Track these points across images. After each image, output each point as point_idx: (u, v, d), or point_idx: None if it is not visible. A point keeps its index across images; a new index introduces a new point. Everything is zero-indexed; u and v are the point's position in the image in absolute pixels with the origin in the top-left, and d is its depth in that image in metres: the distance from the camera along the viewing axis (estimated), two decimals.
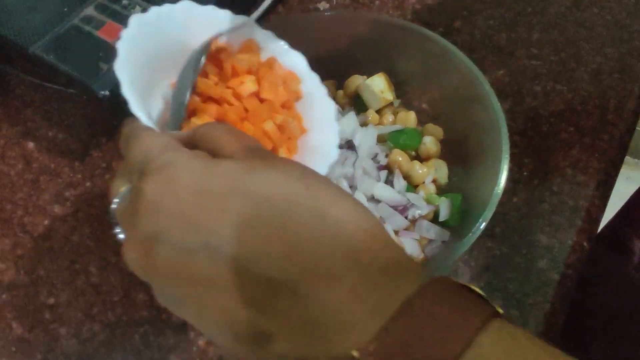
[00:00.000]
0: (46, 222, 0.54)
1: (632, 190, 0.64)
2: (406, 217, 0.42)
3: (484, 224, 0.37)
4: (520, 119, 0.55)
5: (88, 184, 0.56)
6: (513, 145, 0.54)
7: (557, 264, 0.47)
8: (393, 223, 0.41)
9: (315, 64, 0.52)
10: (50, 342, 0.47)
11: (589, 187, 0.50)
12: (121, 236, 0.29)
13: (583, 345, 0.56)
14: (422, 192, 0.45)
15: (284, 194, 0.23)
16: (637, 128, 0.56)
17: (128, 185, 0.28)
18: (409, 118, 0.48)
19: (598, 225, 0.49)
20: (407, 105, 0.51)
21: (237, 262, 0.22)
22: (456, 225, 0.43)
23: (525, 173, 0.52)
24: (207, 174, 0.24)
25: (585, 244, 0.48)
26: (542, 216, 0.49)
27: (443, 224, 0.44)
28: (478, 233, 0.37)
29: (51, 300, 0.50)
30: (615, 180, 0.53)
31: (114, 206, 0.29)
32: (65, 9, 0.57)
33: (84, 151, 0.58)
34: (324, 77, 0.52)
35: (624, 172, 0.59)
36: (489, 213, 0.37)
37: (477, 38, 0.62)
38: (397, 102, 0.51)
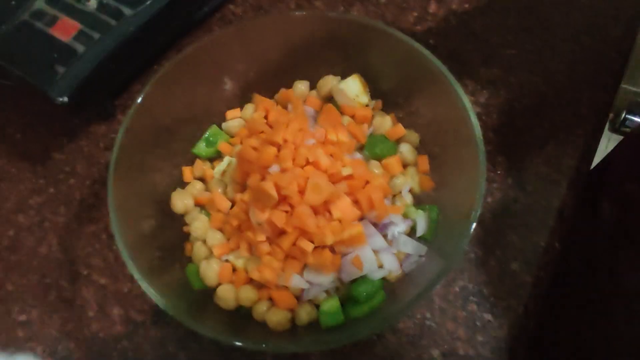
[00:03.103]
0: (11, 232, 0.52)
1: None
2: (385, 236, 0.41)
3: (465, 246, 0.37)
4: (494, 113, 0.54)
5: (52, 190, 0.54)
6: (487, 142, 0.54)
7: (530, 266, 0.48)
8: (373, 244, 0.40)
9: (288, 64, 0.50)
10: None
11: (562, 185, 0.51)
12: None
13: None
14: (398, 202, 0.44)
15: None
16: None
17: None
18: (385, 123, 0.47)
19: (569, 225, 0.50)
20: (382, 106, 0.50)
21: None
22: (431, 239, 0.43)
23: (499, 172, 0.51)
24: None
25: (557, 244, 0.49)
26: (515, 217, 0.50)
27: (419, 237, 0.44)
28: (461, 256, 0.37)
29: (23, 317, 0.48)
30: (585, 176, 0.53)
31: None
32: (13, 2, 0.53)
33: (44, 153, 0.56)
34: (296, 77, 0.51)
35: None
36: (467, 238, 0.37)
37: (452, 24, 0.60)
38: (372, 104, 0.49)
